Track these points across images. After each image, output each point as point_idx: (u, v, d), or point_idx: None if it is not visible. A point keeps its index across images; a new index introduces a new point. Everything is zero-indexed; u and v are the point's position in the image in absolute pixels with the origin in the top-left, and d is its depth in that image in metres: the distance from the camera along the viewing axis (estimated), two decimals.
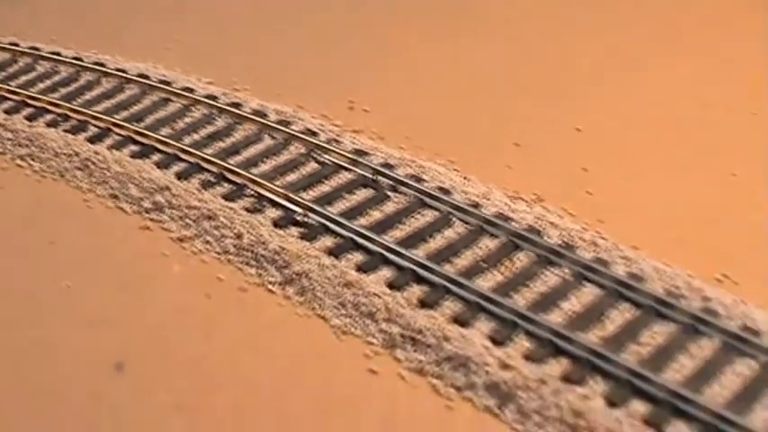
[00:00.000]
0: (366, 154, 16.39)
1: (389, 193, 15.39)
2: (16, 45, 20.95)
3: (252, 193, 15.59)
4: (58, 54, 20.37)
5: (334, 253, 14.23)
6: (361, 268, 13.91)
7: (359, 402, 12.23)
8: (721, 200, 15.24)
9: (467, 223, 14.63)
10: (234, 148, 16.81)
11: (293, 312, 13.67)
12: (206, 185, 15.95)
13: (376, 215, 15.01)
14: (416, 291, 13.48)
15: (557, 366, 12.23)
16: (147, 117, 17.94)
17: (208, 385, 12.64)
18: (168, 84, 18.94)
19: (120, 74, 19.31)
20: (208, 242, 15.04)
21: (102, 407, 12.47)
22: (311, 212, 14.93)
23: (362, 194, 15.50)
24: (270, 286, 14.14)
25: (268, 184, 15.57)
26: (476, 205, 14.98)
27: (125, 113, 18.11)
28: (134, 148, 17.12)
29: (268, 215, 15.15)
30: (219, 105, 17.94)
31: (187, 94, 18.40)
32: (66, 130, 17.84)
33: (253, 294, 14.07)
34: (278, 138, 16.99)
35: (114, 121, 17.70)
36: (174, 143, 16.87)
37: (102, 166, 16.74)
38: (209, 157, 16.40)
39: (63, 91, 19.09)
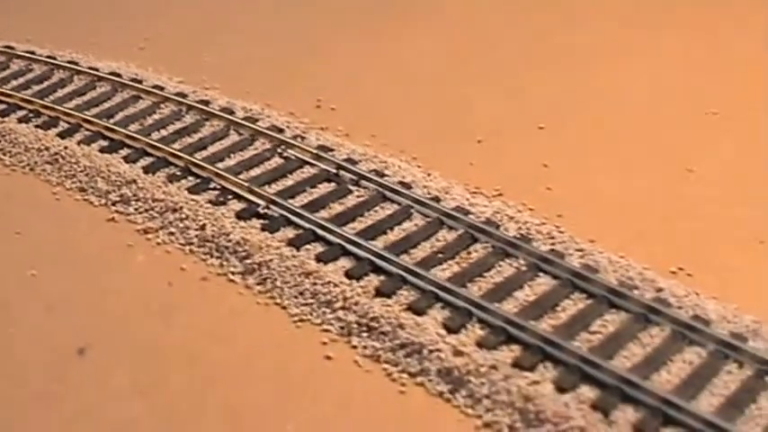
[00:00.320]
0: (330, 150, 16.59)
1: (351, 188, 15.59)
2: None
3: (216, 186, 15.80)
4: (33, 53, 20.55)
5: (294, 244, 14.39)
6: (320, 259, 14.06)
7: (315, 387, 12.40)
8: (678, 195, 15.44)
9: (426, 216, 14.80)
10: (201, 144, 17.01)
11: (254, 301, 13.85)
12: (172, 179, 16.14)
13: (337, 208, 15.18)
14: (374, 280, 13.64)
15: (509, 353, 12.37)
16: (117, 113, 18.12)
17: (167, 370, 12.80)
18: (139, 82, 19.14)
19: (92, 72, 19.48)
20: (172, 233, 15.22)
21: (64, 389, 12.64)
22: (273, 205, 15.13)
23: (325, 188, 15.68)
24: (231, 276, 14.30)
25: (232, 178, 15.76)
26: (436, 199, 15.17)
27: (96, 110, 18.27)
28: (103, 143, 17.29)
29: (231, 208, 15.31)
30: (188, 102, 18.14)
31: (157, 91, 18.58)
32: (37, 126, 18.02)
33: (214, 283, 14.24)
34: (244, 134, 17.20)
35: (85, 117, 17.87)
36: (143, 138, 17.04)
37: (71, 161, 16.92)
38: (176, 152, 16.58)
39: (36, 88, 19.26)
